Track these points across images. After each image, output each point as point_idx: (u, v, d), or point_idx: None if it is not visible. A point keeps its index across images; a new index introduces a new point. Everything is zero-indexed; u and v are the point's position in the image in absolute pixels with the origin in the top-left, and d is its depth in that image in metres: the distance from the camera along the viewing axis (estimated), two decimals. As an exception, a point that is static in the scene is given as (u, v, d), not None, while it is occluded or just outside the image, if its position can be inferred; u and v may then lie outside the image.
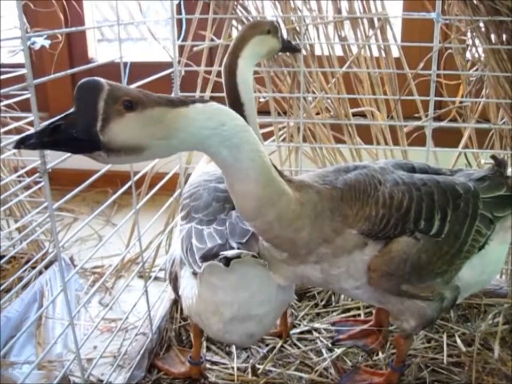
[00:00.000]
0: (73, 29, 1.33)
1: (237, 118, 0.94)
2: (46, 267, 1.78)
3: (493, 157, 1.26)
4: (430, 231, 1.09)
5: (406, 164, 1.21)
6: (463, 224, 1.13)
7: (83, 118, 0.82)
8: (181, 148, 0.93)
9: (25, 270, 1.74)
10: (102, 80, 0.84)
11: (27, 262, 1.81)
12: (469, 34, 1.60)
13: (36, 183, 1.80)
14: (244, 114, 1.35)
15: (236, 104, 1.35)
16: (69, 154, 1.10)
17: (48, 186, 1.05)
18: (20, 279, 1.67)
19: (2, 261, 1.65)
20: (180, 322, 1.58)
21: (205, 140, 0.91)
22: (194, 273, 1.15)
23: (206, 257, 1.09)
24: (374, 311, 1.54)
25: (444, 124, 1.70)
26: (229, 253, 1.05)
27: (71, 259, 1.93)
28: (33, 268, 1.63)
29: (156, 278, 1.80)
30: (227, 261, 1.04)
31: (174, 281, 1.26)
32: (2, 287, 1.62)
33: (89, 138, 0.82)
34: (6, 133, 1.81)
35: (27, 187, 1.82)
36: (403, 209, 1.08)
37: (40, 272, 1.76)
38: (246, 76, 1.36)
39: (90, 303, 1.79)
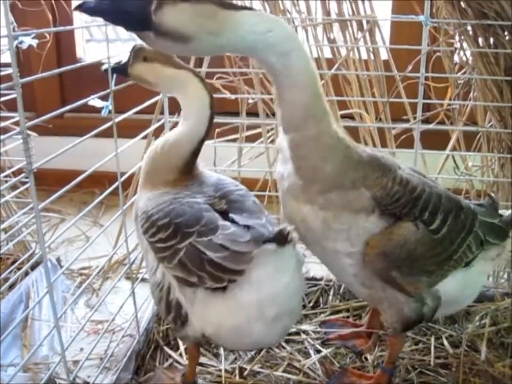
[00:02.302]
0: (61, 28, 1.32)
1: (285, 27, 0.98)
2: (33, 268, 1.77)
3: (489, 195, 1.39)
4: (431, 225, 1.13)
5: (418, 171, 1.25)
6: (459, 233, 1.18)
7: None
8: (227, 49, 0.97)
9: (11, 271, 1.73)
10: None
11: (13, 263, 1.79)
12: (457, 38, 1.61)
13: (23, 183, 1.78)
14: None
15: None
16: (54, 154, 1.10)
17: (34, 187, 1.04)
18: (6, 280, 1.65)
19: (-12, 261, 1.63)
20: (167, 324, 1.57)
21: (252, 44, 0.95)
22: (212, 290, 1.06)
23: (256, 241, 1.01)
24: (366, 317, 1.54)
25: (432, 126, 1.72)
26: (272, 231, 1.01)
27: (58, 260, 1.92)
28: (19, 269, 1.61)
29: (143, 280, 1.78)
30: (281, 240, 0.98)
31: (178, 309, 1.13)
32: (-13, 288, 1.61)
33: (142, 15, 0.88)
34: (-8, 132, 1.79)
35: (13, 187, 1.81)
36: (415, 194, 1.12)
37: (27, 273, 1.74)
38: None
39: (77, 305, 1.78)
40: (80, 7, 0.89)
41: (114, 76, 1.33)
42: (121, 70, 1.27)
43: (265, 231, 1.06)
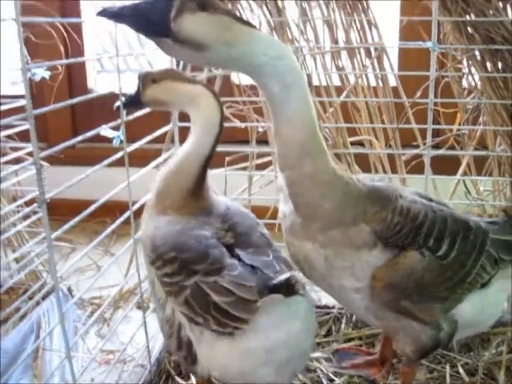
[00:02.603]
0: (73, 60, 1.34)
1: (294, 59, 0.99)
2: (44, 298, 1.76)
3: (505, 211, 1.34)
4: (438, 252, 1.11)
5: (425, 195, 1.23)
6: (469, 255, 1.15)
7: (161, 4, 0.92)
8: (238, 62, 0.97)
9: (22, 301, 1.72)
10: None
11: (24, 292, 1.79)
12: (465, 63, 1.62)
13: (35, 213, 1.79)
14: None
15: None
16: (66, 184, 1.11)
17: (47, 217, 1.05)
18: (17, 310, 1.65)
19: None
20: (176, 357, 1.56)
21: (261, 65, 0.96)
22: (219, 333, 1.03)
23: (261, 290, 0.99)
24: (378, 345, 1.52)
25: (442, 151, 1.72)
26: (279, 279, 0.98)
27: (69, 289, 1.91)
28: (31, 298, 1.61)
29: (155, 309, 1.78)
30: (289, 289, 0.96)
31: (189, 347, 1.09)
32: (-1, 319, 1.61)
33: (162, 22, 0.91)
34: (5, 163, 1.81)
35: (26, 217, 1.82)
36: (417, 222, 1.11)
37: (38, 303, 1.74)
38: None
39: (88, 334, 1.77)
40: (102, 13, 0.92)
41: (126, 106, 1.34)
42: (135, 102, 1.26)
43: (271, 273, 1.03)
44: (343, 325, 1.68)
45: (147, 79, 1.23)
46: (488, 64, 1.56)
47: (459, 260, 1.14)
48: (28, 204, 1.67)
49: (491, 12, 1.49)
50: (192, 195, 1.21)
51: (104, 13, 0.92)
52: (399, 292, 1.09)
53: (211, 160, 1.22)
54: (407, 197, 1.15)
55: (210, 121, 1.20)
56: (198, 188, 1.21)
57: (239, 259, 1.08)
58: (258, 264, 1.05)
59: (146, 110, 1.43)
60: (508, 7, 1.52)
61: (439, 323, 1.14)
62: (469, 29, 1.54)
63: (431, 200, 1.21)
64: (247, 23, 0.97)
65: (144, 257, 1.22)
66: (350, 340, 1.63)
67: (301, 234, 1.11)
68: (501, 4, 1.50)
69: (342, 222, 1.07)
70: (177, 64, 1.72)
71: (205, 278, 1.04)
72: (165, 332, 1.15)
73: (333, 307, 1.74)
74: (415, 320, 1.13)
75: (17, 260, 1.83)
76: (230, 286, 1.02)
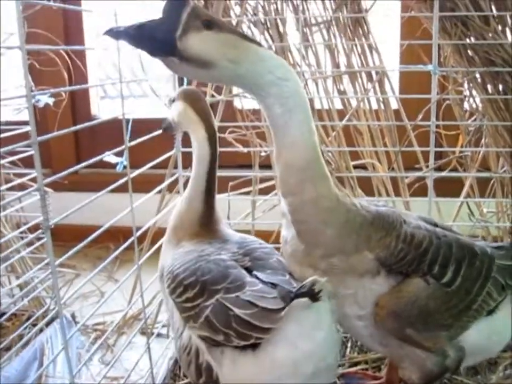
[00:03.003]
0: (77, 87, 1.35)
1: (299, 84, 0.99)
2: (47, 324, 1.76)
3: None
4: (442, 279, 1.09)
5: (429, 219, 1.22)
6: (475, 282, 1.13)
7: (166, 23, 0.92)
8: (244, 80, 0.97)
9: (25, 328, 1.72)
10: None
11: (28, 319, 1.78)
12: (465, 85, 1.62)
13: (39, 239, 1.79)
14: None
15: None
16: (70, 210, 1.11)
17: (51, 243, 1.05)
18: (20, 336, 1.64)
19: (3, 318, 1.62)
20: (183, 379, 1.55)
21: (266, 84, 0.96)
22: (241, 349, 1.02)
23: (284, 299, 0.99)
24: (384, 369, 1.51)
25: (444, 174, 1.71)
26: (305, 284, 0.96)
27: (73, 316, 1.90)
28: (34, 325, 1.60)
29: (159, 335, 1.77)
30: (313, 295, 0.95)
31: (209, 372, 1.07)
32: (2, 345, 1.60)
33: (168, 41, 0.92)
34: (9, 189, 1.82)
35: (29, 243, 1.82)
36: (421, 249, 1.09)
37: (41, 330, 1.73)
38: None
39: (92, 361, 1.75)
40: (109, 32, 0.92)
41: (129, 131, 1.36)
42: (170, 127, 1.35)
43: (290, 287, 1.04)
44: (348, 349, 1.66)
45: (170, 100, 1.35)
46: (489, 86, 1.57)
47: (464, 287, 1.11)
48: (31, 230, 1.67)
49: (490, 35, 1.50)
50: (204, 226, 1.27)
51: (110, 32, 0.93)
52: (403, 319, 1.07)
53: (212, 193, 1.28)
54: (411, 223, 1.13)
55: (202, 155, 1.26)
56: (208, 219, 1.27)
57: (257, 278, 1.08)
58: (277, 282, 1.06)
59: (150, 135, 1.44)
60: (507, 29, 1.53)
61: (444, 350, 1.12)
62: (469, 52, 1.55)
63: (436, 225, 1.20)
64: (254, 41, 0.97)
65: (162, 290, 1.24)
66: (356, 364, 1.61)
67: (302, 261, 1.09)
68: (500, 27, 1.52)
69: (344, 250, 1.05)
70: (181, 82, 1.74)
71: (226, 295, 1.05)
72: (183, 361, 1.14)
73: (338, 331, 1.73)
74: (420, 348, 1.11)
75: (20, 287, 1.82)
76: (253, 299, 1.01)
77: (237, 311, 1.02)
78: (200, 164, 1.26)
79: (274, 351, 1.00)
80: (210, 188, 1.27)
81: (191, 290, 1.10)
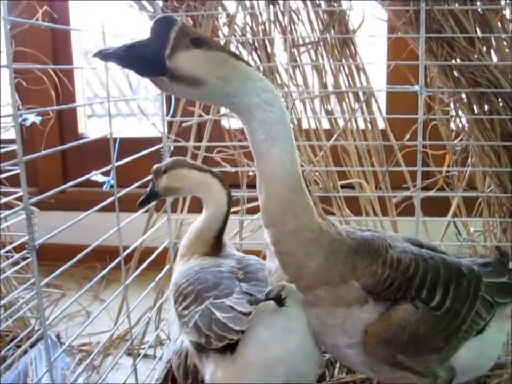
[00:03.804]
0: (64, 106, 1.35)
1: (285, 111, 0.98)
2: (32, 345, 1.73)
3: (498, 248, 1.28)
4: (431, 303, 1.07)
5: (414, 240, 1.21)
6: (463, 303, 1.12)
7: (155, 43, 0.92)
8: (232, 99, 0.96)
9: (9, 349, 1.69)
10: (177, 18, 0.95)
11: (12, 340, 1.76)
12: (452, 106, 1.64)
13: (24, 258, 1.77)
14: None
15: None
16: (57, 230, 1.10)
17: (36, 263, 1.04)
18: (4, 358, 1.62)
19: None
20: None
21: (252, 105, 0.96)
22: (222, 350, 1.07)
23: (253, 302, 1.03)
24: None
25: (431, 193, 1.72)
26: (274, 288, 1.00)
27: (58, 336, 1.88)
28: (18, 346, 1.58)
29: (145, 356, 1.75)
30: (279, 300, 0.98)
31: (195, 374, 1.15)
32: (-15, 368, 1.57)
33: (157, 60, 0.92)
34: (-5, 208, 1.80)
35: (14, 263, 1.80)
36: (408, 274, 1.07)
37: (25, 351, 1.70)
38: None
39: (77, 383, 1.73)
40: (98, 54, 0.92)
41: (116, 150, 1.35)
42: (152, 195, 1.40)
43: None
44: (336, 370, 1.65)
45: (158, 172, 1.38)
46: (475, 107, 1.59)
47: (454, 309, 1.10)
48: (17, 249, 1.65)
49: (475, 56, 1.52)
50: (213, 246, 1.38)
51: (100, 55, 0.92)
52: (394, 346, 1.05)
53: (226, 226, 1.40)
54: (397, 247, 1.11)
55: (220, 205, 1.38)
56: (217, 242, 1.39)
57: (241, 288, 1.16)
58: (253, 292, 1.12)
59: (137, 155, 1.44)
60: (492, 51, 1.55)
61: (435, 372, 1.11)
62: (455, 73, 1.57)
63: (422, 245, 1.19)
64: (243, 60, 0.97)
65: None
66: (344, 385, 1.60)
67: None
68: (484, 48, 1.54)
69: (329, 281, 1.03)
70: (168, 101, 1.74)
71: (214, 301, 1.13)
72: (174, 365, 1.21)
73: (326, 352, 1.72)
74: (412, 373, 1.09)
75: (5, 307, 1.80)
76: (234, 305, 1.08)
77: (218, 314, 1.08)
78: (218, 212, 1.38)
79: (247, 354, 1.04)
80: (224, 226, 1.40)
81: (188, 298, 1.19)
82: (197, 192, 1.40)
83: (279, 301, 0.99)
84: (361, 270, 1.05)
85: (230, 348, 1.05)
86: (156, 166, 1.38)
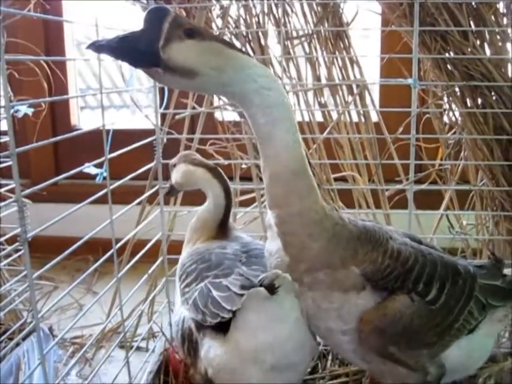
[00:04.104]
0: (56, 98, 1.34)
1: (284, 94, 0.98)
2: (24, 338, 1.72)
3: (492, 253, 1.29)
4: (426, 297, 1.08)
5: (413, 236, 1.22)
6: (458, 301, 1.13)
7: (148, 34, 0.92)
8: (228, 88, 0.97)
9: (1, 341, 1.68)
10: (170, 8, 0.94)
11: (4, 332, 1.75)
12: (445, 99, 1.64)
13: (16, 251, 1.76)
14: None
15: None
16: (49, 223, 1.10)
17: (28, 256, 1.03)
18: (-4, 351, 1.61)
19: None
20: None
21: (249, 92, 0.96)
22: (219, 330, 1.09)
23: (245, 287, 1.05)
24: (365, 382, 1.50)
25: (424, 186, 1.72)
26: (267, 276, 1.00)
27: (50, 329, 1.88)
28: (10, 339, 1.58)
29: (138, 348, 1.75)
30: (271, 288, 0.99)
31: (195, 351, 1.18)
32: (-23, 360, 1.57)
33: (151, 52, 0.91)
34: (-14, 200, 1.79)
35: (6, 255, 1.79)
36: (407, 266, 1.08)
37: (17, 344, 1.70)
38: None
39: (69, 375, 1.73)
40: (91, 46, 0.92)
41: (109, 142, 1.35)
42: (171, 188, 1.53)
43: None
44: (329, 362, 1.66)
45: (170, 166, 1.49)
46: (468, 100, 1.59)
47: (448, 305, 1.11)
48: (9, 241, 1.64)
49: (469, 50, 1.52)
50: (219, 230, 1.42)
51: (93, 47, 0.92)
52: (387, 337, 1.06)
53: (229, 214, 1.44)
54: (397, 239, 1.13)
55: (218, 198, 1.42)
56: (223, 226, 1.43)
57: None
58: (252, 276, 1.14)
59: (130, 147, 1.43)
60: (485, 45, 1.55)
61: (425, 367, 1.12)
62: (449, 66, 1.57)
63: (420, 242, 1.20)
64: (237, 48, 0.97)
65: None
66: (336, 377, 1.60)
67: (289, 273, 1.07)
68: (478, 42, 1.54)
69: (330, 264, 1.04)
70: (161, 93, 1.73)
71: (214, 280, 1.17)
72: (175, 331, 1.27)
73: (319, 344, 1.72)
74: (402, 366, 1.10)
75: (-3, 300, 1.79)
76: (230, 285, 1.11)
77: (214, 292, 1.12)
78: (217, 205, 1.42)
79: (237, 338, 1.07)
80: (227, 215, 1.44)
81: (190, 277, 1.24)
82: (197, 186, 1.45)
83: (272, 289, 0.99)
84: (361, 256, 1.06)
85: (224, 329, 1.07)
86: (172, 160, 1.48)
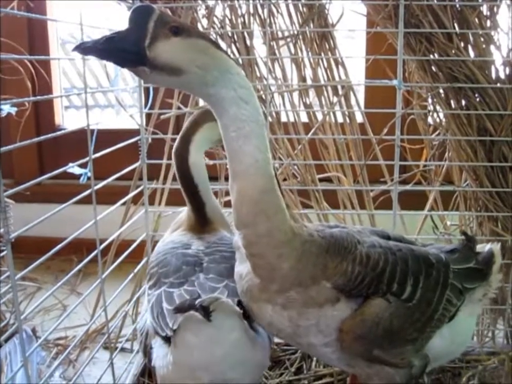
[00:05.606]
0: (40, 97, 1.33)
1: (260, 113, 0.97)
2: (6, 339, 1.71)
3: (464, 233, 1.28)
4: (402, 295, 1.08)
5: (381, 232, 1.21)
6: (434, 292, 1.13)
7: (134, 33, 0.91)
8: (211, 89, 0.95)
9: (-17, 343, 1.67)
10: (155, 6, 0.93)
11: (-14, 334, 1.74)
12: (429, 100, 1.65)
13: (-1, 251, 1.75)
14: (199, 194, 1.37)
15: (190, 186, 1.36)
16: (32, 223, 1.09)
17: (11, 256, 1.02)
18: (-21, 353, 1.60)
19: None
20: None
21: (225, 101, 0.95)
22: (167, 340, 1.10)
23: (179, 310, 1.03)
24: (348, 381, 1.51)
25: (409, 187, 1.73)
26: (205, 299, 1.00)
27: (33, 330, 1.86)
28: (-7, 341, 1.56)
29: (122, 349, 1.74)
30: (206, 312, 0.98)
31: (149, 355, 1.18)
32: (-41, 362, 1.55)
33: (137, 51, 0.91)
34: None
35: (-11, 256, 1.77)
36: (378, 269, 1.07)
37: (0, 345, 1.69)
38: (197, 159, 1.37)
39: (53, 377, 1.71)
40: (77, 48, 0.91)
41: (93, 142, 1.34)
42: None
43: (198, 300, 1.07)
44: (313, 363, 1.66)
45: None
46: (452, 102, 1.60)
47: (425, 299, 1.11)
48: (-9, 242, 1.63)
49: (453, 52, 1.53)
50: (197, 222, 1.38)
51: (79, 49, 0.91)
52: (369, 341, 1.06)
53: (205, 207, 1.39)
54: (366, 242, 1.11)
55: None
56: (200, 218, 1.39)
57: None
58: (200, 290, 1.14)
59: (115, 147, 1.42)
60: (469, 47, 1.57)
61: (410, 361, 1.12)
62: (433, 68, 1.58)
63: (389, 237, 1.19)
64: (222, 50, 0.97)
65: None
66: (321, 378, 1.61)
67: (259, 297, 1.06)
68: (462, 44, 1.55)
69: (301, 283, 1.03)
70: (146, 93, 1.72)
71: (168, 289, 1.17)
72: (138, 339, 1.26)
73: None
74: (388, 365, 1.10)
75: (-21, 301, 1.77)
76: (177, 298, 1.12)
77: (164, 304, 1.13)
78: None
79: (176, 354, 1.08)
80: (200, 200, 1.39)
81: (152, 280, 1.24)
82: None
83: (208, 312, 0.99)
84: (331, 269, 1.04)
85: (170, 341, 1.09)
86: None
